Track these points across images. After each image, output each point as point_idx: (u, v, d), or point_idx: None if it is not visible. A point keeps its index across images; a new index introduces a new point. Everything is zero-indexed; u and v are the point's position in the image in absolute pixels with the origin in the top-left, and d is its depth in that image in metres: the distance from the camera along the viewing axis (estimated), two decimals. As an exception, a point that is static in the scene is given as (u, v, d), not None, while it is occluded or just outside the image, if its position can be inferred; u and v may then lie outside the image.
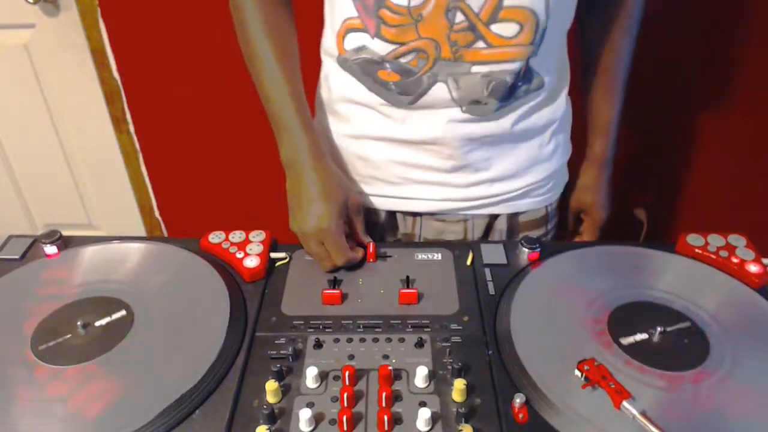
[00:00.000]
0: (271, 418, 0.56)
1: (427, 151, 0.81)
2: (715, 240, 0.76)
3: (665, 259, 0.75)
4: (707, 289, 0.70)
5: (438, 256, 0.77)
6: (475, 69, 0.72)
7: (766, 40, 1.34)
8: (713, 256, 0.74)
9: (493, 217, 0.88)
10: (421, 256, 0.77)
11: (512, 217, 0.88)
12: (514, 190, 0.86)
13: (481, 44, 0.71)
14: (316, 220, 0.73)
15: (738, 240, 0.76)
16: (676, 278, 0.72)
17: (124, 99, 1.64)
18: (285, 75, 0.78)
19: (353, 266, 0.75)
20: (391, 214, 0.89)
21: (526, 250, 0.75)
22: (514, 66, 0.73)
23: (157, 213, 1.88)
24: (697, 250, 0.75)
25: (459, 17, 0.69)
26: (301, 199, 0.76)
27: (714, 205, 1.59)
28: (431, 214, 0.87)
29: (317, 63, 0.86)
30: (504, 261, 0.75)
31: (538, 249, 0.75)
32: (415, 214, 0.88)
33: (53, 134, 1.78)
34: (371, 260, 0.76)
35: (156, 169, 1.78)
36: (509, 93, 0.76)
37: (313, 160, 0.76)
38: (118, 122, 1.69)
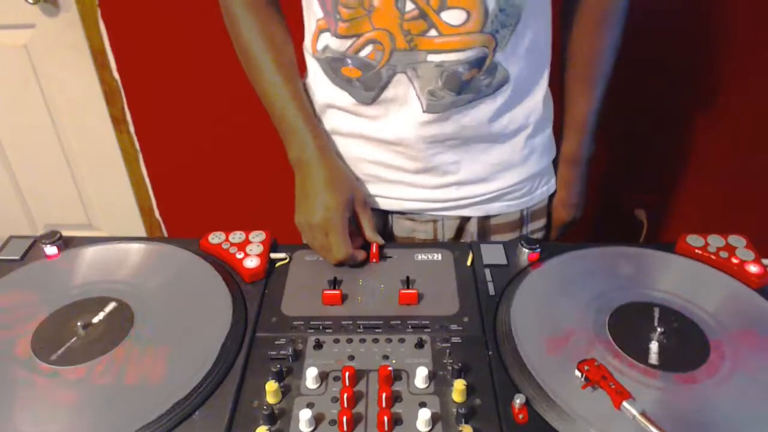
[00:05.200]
0: (271, 418, 0.56)
1: (394, 151, 0.81)
2: (715, 240, 0.76)
3: (665, 259, 0.75)
4: (707, 290, 0.70)
5: (438, 257, 0.77)
6: (430, 58, 0.72)
7: (764, 39, 1.34)
8: (713, 257, 0.74)
9: (465, 219, 0.88)
10: (421, 256, 0.77)
11: (484, 219, 0.88)
12: (485, 194, 0.85)
13: (433, 32, 0.71)
14: (323, 211, 0.74)
15: (738, 240, 0.76)
16: (676, 278, 0.72)
17: (124, 99, 1.64)
18: (284, 78, 0.79)
19: (354, 266, 0.75)
20: None
21: (526, 250, 0.75)
22: (467, 55, 0.72)
23: (157, 213, 1.88)
24: (697, 251, 0.75)
25: (409, 5, 0.69)
26: (308, 192, 0.77)
27: (714, 205, 1.59)
28: (401, 213, 0.88)
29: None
30: (504, 261, 0.75)
31: (538, 249, 0.75)
32: (386, 212, 0.89)
33: (53, 134, 1.78)
34: (374, 260, 0.76)
35: (156, 169, 1.78)
36: (466, 85, 0.74)
37: (320, 156, 0.78)
38: (118, 122, 1.69)
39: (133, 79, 1.61)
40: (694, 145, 1.51)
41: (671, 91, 1.43)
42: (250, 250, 0.75)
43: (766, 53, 1.36)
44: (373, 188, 0.86)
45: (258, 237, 0.77)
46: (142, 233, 1.94)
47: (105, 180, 1.85)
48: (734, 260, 0.73)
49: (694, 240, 0.76)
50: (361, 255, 0.75)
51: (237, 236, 0.78)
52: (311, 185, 0.77)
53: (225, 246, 0.76)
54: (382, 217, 0.89)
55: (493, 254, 0.76)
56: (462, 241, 0.89)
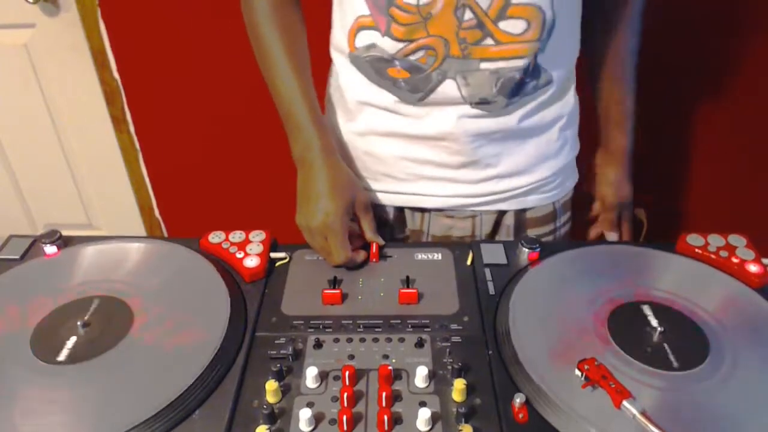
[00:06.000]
0: (271, 418, 0.56)
1: (436, 147, 0.81)
2: (715, 240, 0.76)
3: (665, 259, 0.75)
4: (707, 289, 0.70)
5: (438, 256, 0.77)
6: (484, 66, 0.73)
7: (765, 40, 1.34)
8: (713, 256, 0.74)
9: (501, 213, 0.88)
10: (421, 256, 0.77)
11: (520, 213, 0.89)
12: (522, 186, 0.86)
13: (489, 41, 0.71)
14: (322, 216, 0.74)
15: (738, 240, 0.76)
16: (676, 278, 0.72)
17: (124, 99, 1.64)
18: (296, 74, 0.79)
19: (356, 266, 0.75)
20: (400, 210, 0.90)
21: (526, 250, 0.75)
22: (522, 62, 0.73)
23: (157, 213, 1.88)
24: (697, 250, 0.75)
25: (468, 15, 0.70)
26: (309, 194, 0.76)
27: (714, 205, 1.59)
28: (440, 210, 0.88)
29: (325, 61, 0.87)
30: (504, 261, 0.75)
31: (538, 249, 0.75)
32: (423, 210, 0.89)
33: (53, 134, 1.78)
34: (374, 260, 0.76)
35: (156, 169, 1.78)
36: (517, 89, 0.76)
37: (324, 157, 0.77)
38: (118, 122, 1.69)
39: (133, 79, 1.61)
40: (694, 144, 1.51)
41: (671, 91, 1.43)
42: (250, 249, 0.75)
43: (765, 52, 1.36)
44: (413, 187, 0.86)
45: (258, 236, 0.77)
46: (142, 233, 1.94)
47: (105, 180, 1.85)
48: (734, 260, 0.73)
49: (694, 239, 0.76)
50: (360, 257, 0.75)
51: (237, 236, 0.78)
52: (313, 188, 0.76)
53: (225, 246, 0.76)
54: (420, 215, 0.89)
55: (493, 254, 0.76)
56: (498, 235, 0.90)
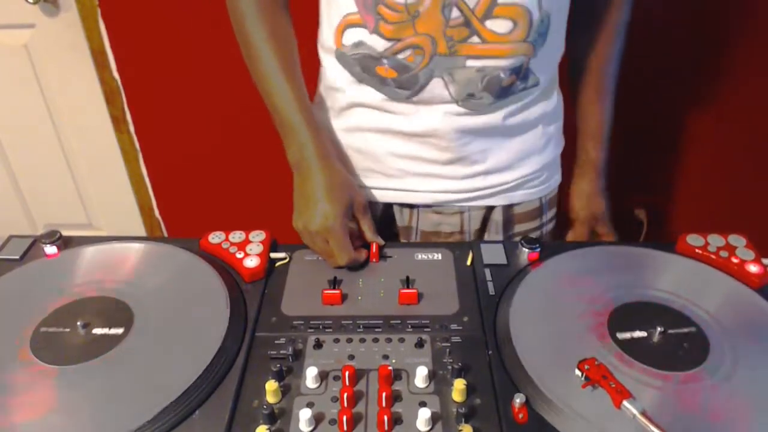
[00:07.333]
0: (271, 418, 0.56)
1: (424, 143, 0.82)
2: (715, 240, 0.76)
3: (665, 259, 0.75)
4: (707, 289, 0.70)
5: (438, 256, 0.77)
6: (470, 63, 0.73)
7: (764, 40, 1.34)
8: (713, 256, 0.74)
9: (489, 209, 0.89)
10: (421, 256, 0.77)
11: (507, 208, 0.89)
12: (509, 182, 0.87)
13: (475, 39, 0.72)
14: (322, 219, 0.74)
15: (738, 240, 0.76)
16: (676, 278, 0.72)
17: (124, 99, 1.64)
18: (288, 79, 0.79)
19: (356, 266, 0.75)
20: (389, 206, 0.90)
21: (526, 250, 0.75)
22: (508, 62, 0.74)
23: (157, 213, 1.88)
24: (697, 250, 0.75)
25: (455, 13, 0.70)
26: (307, 198, 0.76)
27: (714, 205, 1.60)
28: (428, 206, 0.88)
29: (315, 61, 0.87)
30: (504, 261, 0.75)
31: (538, 249, 0.75)
32: (412, 206, 0.89)
33: (53, 134, 1.78)
34: (374, 260, 0.76)
35: (156, 169, 1.78)
36: (505, 90, 0.76)
37: (320, 160, 0.77)
38: (118, 122, 1.69)
39: (133, 79, 1.61)
40: (694, 145, 1.51)
41: (670, 91, 1.43)
42: (250, 249, 0.75)
43: (765, 53, 1.36)
44: (401, 183, 0.86)
45: (258, 236, 0.77)
46: (142, 233, 1.94)
47: (105, 180, 1.85)
48: (734, 260, 0.73)
49: (694, 240, 0.76)
50: (362, 256, 0.76)
51: (237, 236, 0.78)
52: (311, 192, 0.76)
53: (225, 246, 0.76)
54: (408, 212, 0.90)
55: (493, 254, 0.76)
56: (487, 231, 0.91)
